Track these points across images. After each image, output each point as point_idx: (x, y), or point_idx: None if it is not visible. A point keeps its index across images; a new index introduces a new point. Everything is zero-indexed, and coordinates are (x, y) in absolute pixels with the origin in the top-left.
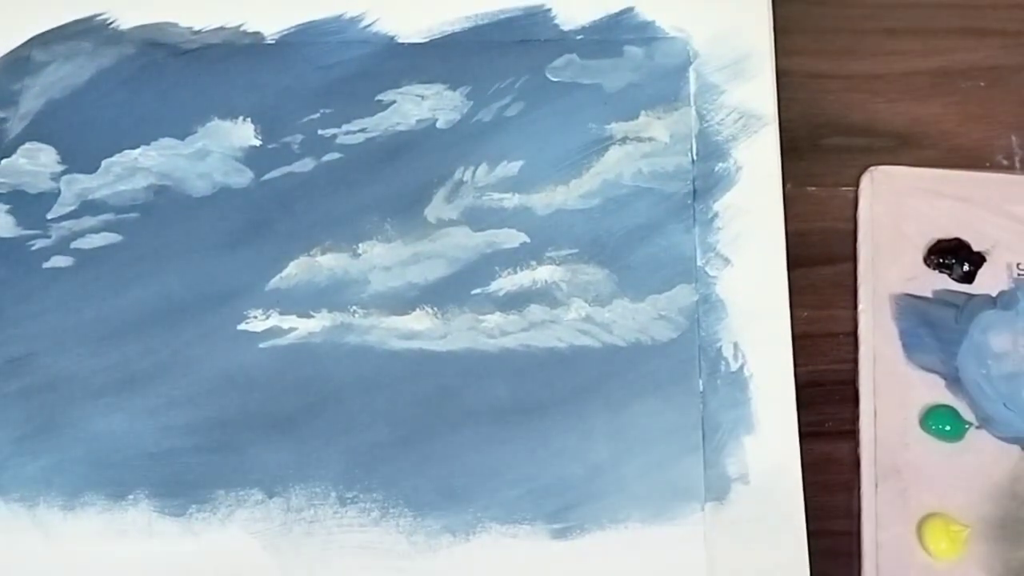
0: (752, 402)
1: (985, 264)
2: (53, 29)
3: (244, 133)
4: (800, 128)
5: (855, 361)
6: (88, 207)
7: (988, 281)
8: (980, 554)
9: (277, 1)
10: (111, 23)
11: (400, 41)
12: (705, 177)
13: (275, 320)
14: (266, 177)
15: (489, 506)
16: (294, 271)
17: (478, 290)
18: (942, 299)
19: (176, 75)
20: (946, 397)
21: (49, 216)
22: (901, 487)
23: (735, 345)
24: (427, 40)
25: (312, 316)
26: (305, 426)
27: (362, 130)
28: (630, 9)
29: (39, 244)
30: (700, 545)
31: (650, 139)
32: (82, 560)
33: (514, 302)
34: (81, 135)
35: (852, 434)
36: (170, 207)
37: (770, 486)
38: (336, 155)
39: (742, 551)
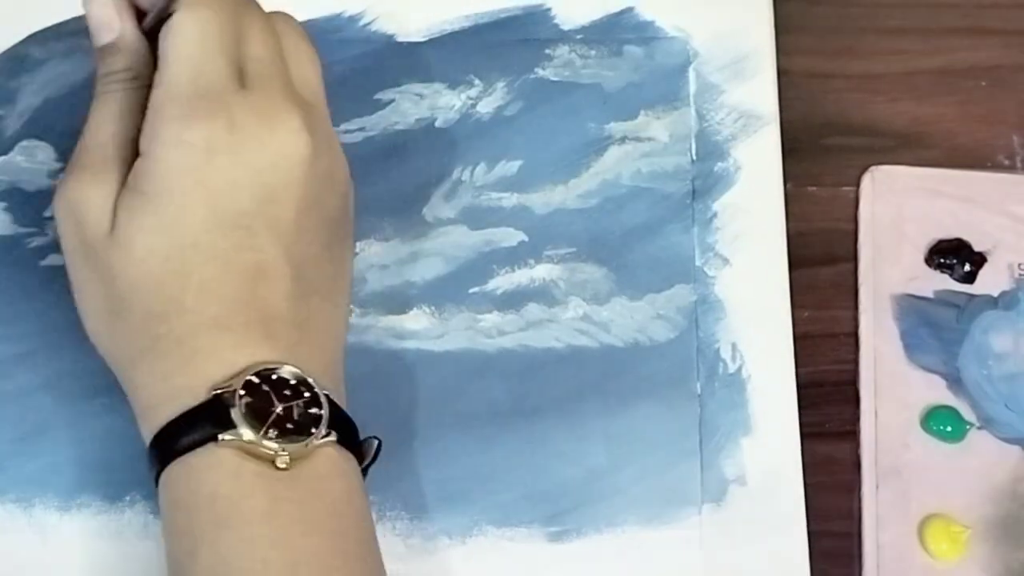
0: (750, 403)
1: (986, 264)
2: (51, 26)
3: None
4: (801, 128)
5: (856, 361)
6: None
7: (989, 281)
8: (981, 555)
9: (275, 0)
10: None
11: (399, 40)
12: (704, 177)
13: None
14: None
15: (486, 509)
16: None
17: (476, 289)
18: (943, 299)
19: None
20: (947, 398)
21: (46, 214)
22: (902, 488)
23: (733, 345)
24: (426, 39)
25: None
26: None
27: (361, 129)
28: (630, 9)
29: (36, 242)
30: (697, 547)
31: (649, 139)
32: (78, 561)
33: (512, 301)
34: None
35: (853, 435)
36: None
37: (769, 487)
38: None
39: (740, 553)
